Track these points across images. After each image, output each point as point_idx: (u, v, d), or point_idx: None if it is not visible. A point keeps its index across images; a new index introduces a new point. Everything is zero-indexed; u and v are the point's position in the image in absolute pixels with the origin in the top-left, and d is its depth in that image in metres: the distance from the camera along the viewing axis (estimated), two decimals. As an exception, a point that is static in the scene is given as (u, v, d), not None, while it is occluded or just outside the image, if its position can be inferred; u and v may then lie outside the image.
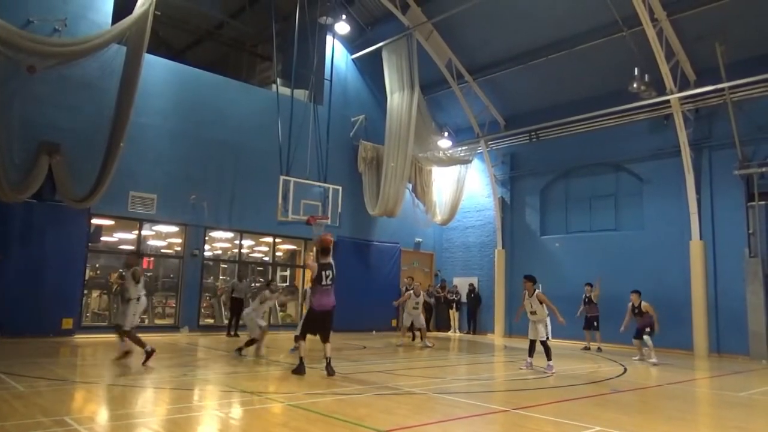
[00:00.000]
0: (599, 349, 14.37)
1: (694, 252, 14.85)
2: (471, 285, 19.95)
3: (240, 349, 10.79)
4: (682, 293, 14.77)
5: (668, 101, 14.80)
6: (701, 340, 14.45)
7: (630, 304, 12.44)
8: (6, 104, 12.27)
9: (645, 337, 11.95)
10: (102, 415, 5.90)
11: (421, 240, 21.31)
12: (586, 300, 14.61)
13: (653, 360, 11.79)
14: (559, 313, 10.19)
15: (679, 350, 14.33)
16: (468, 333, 19.59)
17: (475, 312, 19.79)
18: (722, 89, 14.04)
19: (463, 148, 20.28)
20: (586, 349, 14.53)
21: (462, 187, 20.32)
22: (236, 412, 6.17)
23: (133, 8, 13.49)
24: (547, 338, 10.41)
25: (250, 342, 10.88)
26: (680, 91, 14.55)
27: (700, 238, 14.84)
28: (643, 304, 12.24)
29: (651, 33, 13.88)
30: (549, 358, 10.11)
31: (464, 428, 5.70)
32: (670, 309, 14.14)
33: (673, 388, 8.89)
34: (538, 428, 5.62)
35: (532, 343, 10.50)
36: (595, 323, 14.50)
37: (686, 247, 14.98)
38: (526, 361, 10.53)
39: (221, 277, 18.35)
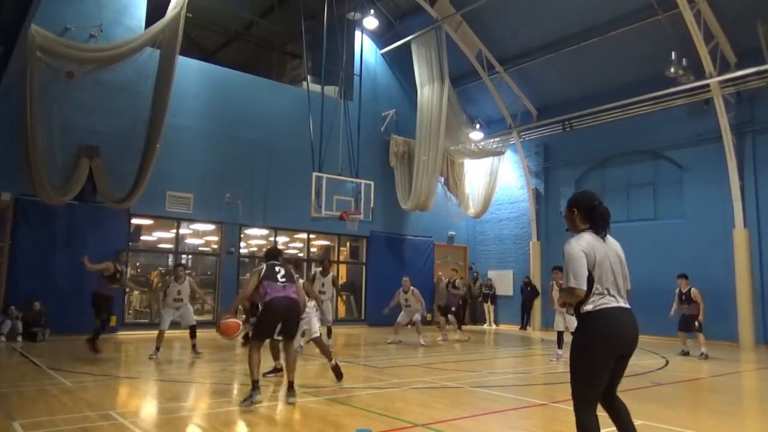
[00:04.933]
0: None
1: (738, 241, 14.37)
2: (527, 278, 19.15)
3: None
4: (725, 283, 14.31)
5: (708, 85, 14.33)
6: (747, 331, 14.00)
7: (677, 290, 11.70)
8: (47, 110, 12.64)
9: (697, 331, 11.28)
10: (145, 409, 6.06)
11: (454, 233, 21.19)
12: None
13: (703, 351, 11.11)
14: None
15: (723, 342, 13.90)
16: (523, 329, 18.68)
17: (530, 306, 18.99)
18: (765, 71, 13.51)
19: (495, 139, 20.06)
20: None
21: (495, 179, 20.09)
22: (275, 406, 6.26)
23: (165, 12, 13.77)
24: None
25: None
26: (720, 74, 14.05)
27: (744, 227, 14.35)
28: (692, 290, 11.43)
29: (688, 15, 13.43)
30: (560, 347, 10.40)
31: (501, 422, 5.65)
32: (714, 299, 13.66)
33: (718, 380, 8.64)
34: (577, 422, 5.54)
35: (560, 334, 10.45)
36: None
37: (729, 236, 14.51)
38: (556, 353, 10.44)
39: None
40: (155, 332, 10.20)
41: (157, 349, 9.78)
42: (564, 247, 3.53)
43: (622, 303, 3.44)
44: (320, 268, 11.70)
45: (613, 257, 3.50)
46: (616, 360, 3.41)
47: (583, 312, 3.41)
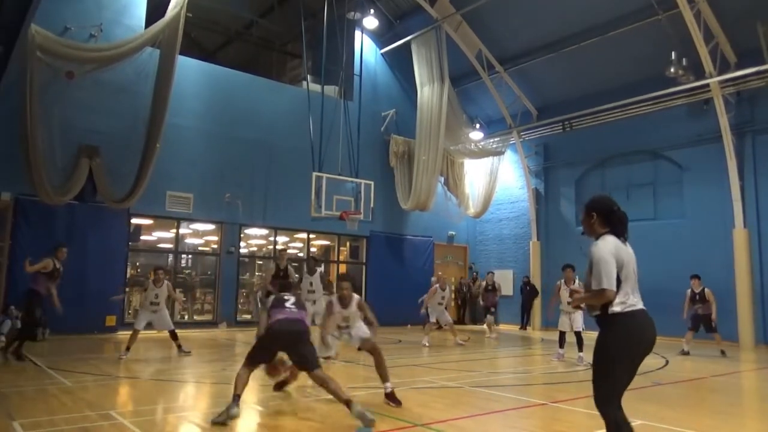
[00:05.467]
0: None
1: (738, 241, 14.37)
2: (526, 277, 19.19)
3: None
4: (725, 283, 14.30)
5: (707, 85, 14.33)
6: (747, 332, 14.00)
7: (689, 290, 11.84)
8: (47, 110, 12.65)
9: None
10: (145, 409, 6.06)
11: (454, 233, 21.20)
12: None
13: (722, 350, 11.58)
14: None
15: (723, 342, 13.85)
16: (522, 329, 18.64)
17: (530, 306, 18.97)
18: (765, 71, 13.50)
19: (495, 139, 20.05)
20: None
21: (495, 179, 20.09)
22: (275, 406, 6.26)
23: (165, 11, 13.77)
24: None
25: None
26: (720, 74, 14.05)
27: (744, 227, 14.35)
28: (706, 290, 11.67)
29: (688, 15, 13.43)
30: (581, 349, 10.01)
31: (501, 422, 5.65)
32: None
33: (718, 380, 8.64)
34: (577, 422, 5.54)
35: (563, 334, 10.45)
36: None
37: (729, 236, 14.51)
38: (557, 353, 10.44)
39: (257, 273, 18.63)
40: (155, 332, 10.20)
41: (128, 349, 9.48)
42: (591, 249, 3.55)
43: (641, 304, 3.53)
44: (306, 266, 11.62)
45: (633, 260, 3.59)
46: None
47: (611, 313, 3.44)
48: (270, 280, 10.97)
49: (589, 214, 3.68)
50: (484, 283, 17.43)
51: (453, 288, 19.36)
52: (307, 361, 5.47)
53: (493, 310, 16.37)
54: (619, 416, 3.44)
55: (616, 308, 3.43)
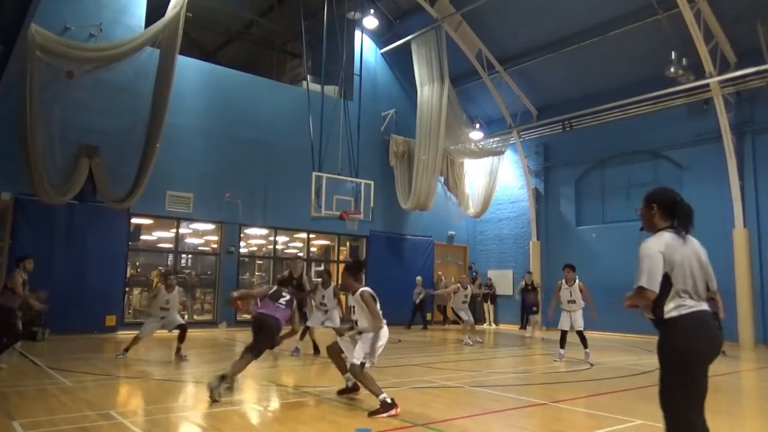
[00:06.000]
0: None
1: (738, 240, 14.37)
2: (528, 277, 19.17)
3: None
4: (725, 283, 14.27)
5: (707, 85, 14.33)
6: (747, 331, 14.00)
7: None
8: (47, 109, 12.65)
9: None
10: (145, 409, 6.06)
11: (454, 233, 21.19)
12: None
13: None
14: (593, 306, 10.35)
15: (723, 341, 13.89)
16: (522, 329, 18.27)
17: (532, 306, 18.34)
18: (765, 71, 13.51)
19: (495, 139, 20.06)
20: None
21: (495, 179, 20.09)
22: (274, 405, 6.26)
23: (165, 11, 13.76)
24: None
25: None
26: (720, 74, 14.06)
27: (744, 226, 14.35)
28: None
29: (688, 15, 13.43)
30: (586, 346, 10.33)
31: (501, 422, 5.65)
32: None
33: (718, 380, 8.64)
34: (577, 422, 5.54)
35: (564, 334, 10.48)
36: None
37: (729, 236, 14.51)
38: (558, 353, 10.46)
39: (257, 273, 18.63)
40: (154, 332, 10.17)
41: (126, 350, 9.43)
42: (641, 246, 3.31)
43: (703, 305, 3.27)
44: (320, 279, 11.61)
45: (692, 259, 3.28)
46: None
47: (667, 317, 3.20)
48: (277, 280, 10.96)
49: (650, 206, 3.40)
50: (523, 283, 17.35)
51: (478, 284, 19.04)
52: (258, 352, 6.63)
53: (535, 309, 16.62)
54: (688, 427, 3.22)
55: (672, 313, 3.18)
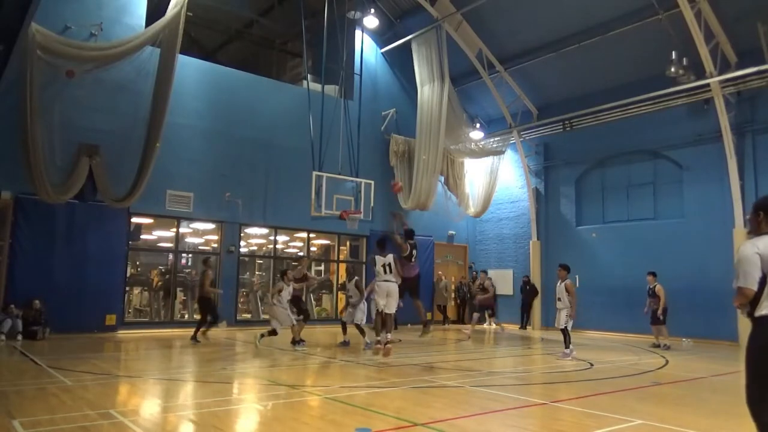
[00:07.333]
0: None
1: (738, 240, 14.33)
2: (526, 277, 19.20)
3: (262, 336, 10.92)
4: (725, 283, 14.15)
5: (708, 85, 14.31)
6: (747, 331, 13.80)
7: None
8: (47, 108, 12.65)
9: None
10: (145, 408, 6.06)
11: (454, 233, 21.19)
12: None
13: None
14: (575, 307, 10.74)
15: (723, 341, 13.90)
16: (522, 328, 18.60)
17: (530, 306, 18.96)
18: (765, 71, 13.49)
19: (496, 139, 20.05)
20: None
21: (495, 179, 20.07)
22: (274, 405, 6.26)
23: (165, 10, 13.76)
24: (566, 327, 10.76)
25: (272, 332, 10.94)
26: (720, 73, 14.04)
27: (744, 226, 14.34)
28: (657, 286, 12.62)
29: (689, 14, 13.42)
30: (566, 346, 10.60)
31: (501, 421, 5.65)
32: (714, 299, 13.72)
33: (718, 380, 8.64)
34: (577, 422, 5.54)
35: (562, 332, 10.76)
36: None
37: (729, 236, 14.49)
38: (563, 351, 10.54)
39: (257, 273, 18.63)
40: (155, 331, 10.20)
41: (302, 341, 11.16)
42: (739, 248, 3.61)
43: None
44: (347, 278, 12.57)
45: None
46: None
47: (758, 316, 3.46)
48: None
49: (757, 213, 3.72)
50: (478, 282, 17.64)
51: (478, 284, 18.82)
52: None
53: (490, 312, 16.96)
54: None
55: (764, 311, 3.43)
